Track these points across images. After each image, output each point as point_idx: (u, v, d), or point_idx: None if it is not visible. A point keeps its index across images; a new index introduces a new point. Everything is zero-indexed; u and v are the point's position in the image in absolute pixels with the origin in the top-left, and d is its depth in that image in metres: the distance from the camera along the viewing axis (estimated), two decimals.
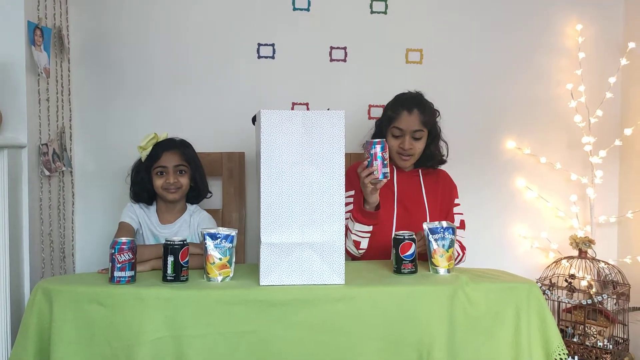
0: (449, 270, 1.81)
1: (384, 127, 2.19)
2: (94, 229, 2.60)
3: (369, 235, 2.06)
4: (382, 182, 1.93)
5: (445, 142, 2.26)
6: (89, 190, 2.60)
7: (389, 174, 1.91)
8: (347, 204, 2.07)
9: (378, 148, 1.89)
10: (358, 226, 2.04)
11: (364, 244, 2.07)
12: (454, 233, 1.83)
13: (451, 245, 1.82)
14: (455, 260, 2.03)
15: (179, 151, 2.14)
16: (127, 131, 2.58)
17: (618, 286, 2.52)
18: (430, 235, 1.82)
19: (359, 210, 2.04)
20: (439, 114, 2.22)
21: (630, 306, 2.56)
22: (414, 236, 1.81)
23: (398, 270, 1.80)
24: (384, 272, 1.84)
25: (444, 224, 1.83)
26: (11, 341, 1.96)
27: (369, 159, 1.90)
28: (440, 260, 1.81)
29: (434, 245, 1.82)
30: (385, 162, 1.89)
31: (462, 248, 2.15)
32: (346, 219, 2.04)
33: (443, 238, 1.81)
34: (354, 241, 2.07)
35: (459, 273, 1.80)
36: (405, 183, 2.19)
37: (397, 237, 1.80)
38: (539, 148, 2.81)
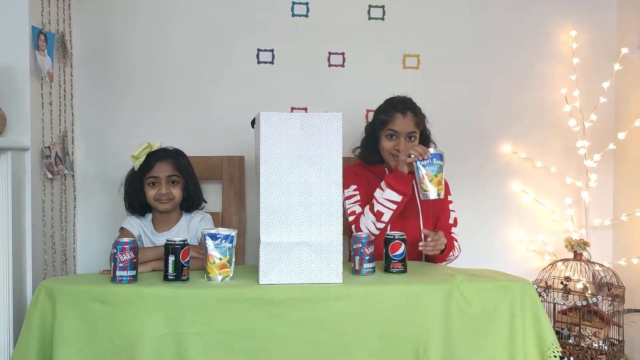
0: (439, 194, 1.88)
1: (377, 130, 2.20)
2: (94, 231, 2.63)
3: (395, 207, 2.02)
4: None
5: (434, 144, 2.29)
6: (90, 193, 2.63)
7: (372, 269, 1.81)
8: (351, 197, 2.14)
9: (359, 245, 1.80)
10: (388, 193, 2.01)
11: (387, 216, 2.03)
12: (441, 159, 1.89)
13: (439, 170, 1.88)
14: (452, 257, 2.14)
15: (172, 161, 2.11)
16: (127, 136, 2.62)
17: (613, 288, 2.54)
18: (418, 162, 1.89)
19: (392, 175, 2.03)
20: (426, 118, 2.25)
21: (625, 308, 2.59)
22: (404, 236, 1.84)
23: (387, 269, 1.84)
24: (379, 272, 1.86)
25: (431, 150, 1.91)
26: (14, 340, 1.98)
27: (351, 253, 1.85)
28: (429, 185, 1.87)
29: (423, 171, 1.88)
30: (367, 257, 1.79)
31: (455, 245, 2.19)
32: (351, 213, 2.11)
33: (431, 164, 1.88)
34: (377, 212, 2.03)
35: (454, 272, 1.83)
36: None
37: (388, 236, 1.84)
38: (535, 152, 2.84)
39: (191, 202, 2.18)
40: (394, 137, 2.17)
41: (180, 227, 2.16)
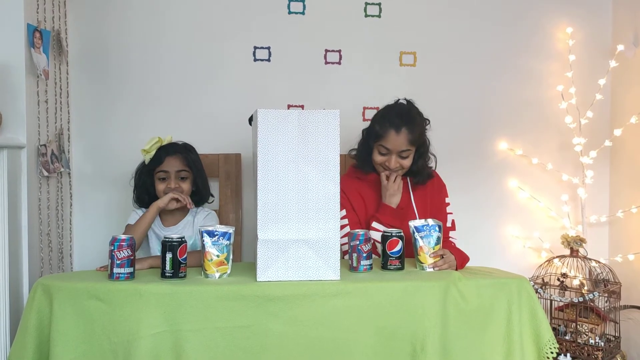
0: (434, 268, 1.85)
1: (371, 141, 2.12)
2: (91, 229, 2.62)
3: None
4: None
5: (434, 155, 2.21)
6: (87, 191, 2.62)
7: (370, 266, 1.81)
8: (341, 228, 1.88)
9: (357, 242, 1.80)
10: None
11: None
12: (440, 230, 1.86)
13: (437, 242, 1.86)
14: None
15: (181, 156, 2.15)
16: (124, 134, 2.61)
17: (609, 284, 2.55)
18: (416, 233, 1.85)
19: (381, 213, 1.99)
20: (429, 123, 2.16)
21: (622, 304, 2.60)
22: (401, 233, 1.83)
23: (385, 266, 1.84)
24: (377, 269, 1.86)
25: (430, 221, 1.87)
26: (10, 338, 1.97)
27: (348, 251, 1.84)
28: (427, 258, 1.85)
29: (420, 242, 1.85)
30: (365, 254, 1.79)
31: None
32: (343, 244, 1.96)
33: (429, 235, 1.85)
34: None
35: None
36: None
37: (385, 233, 1.84)
38: (531, 149, 2.85)
39: (200, 196, 2.22)
40: (386, 154, 2.09)
41: (186, 222, 2.18)
